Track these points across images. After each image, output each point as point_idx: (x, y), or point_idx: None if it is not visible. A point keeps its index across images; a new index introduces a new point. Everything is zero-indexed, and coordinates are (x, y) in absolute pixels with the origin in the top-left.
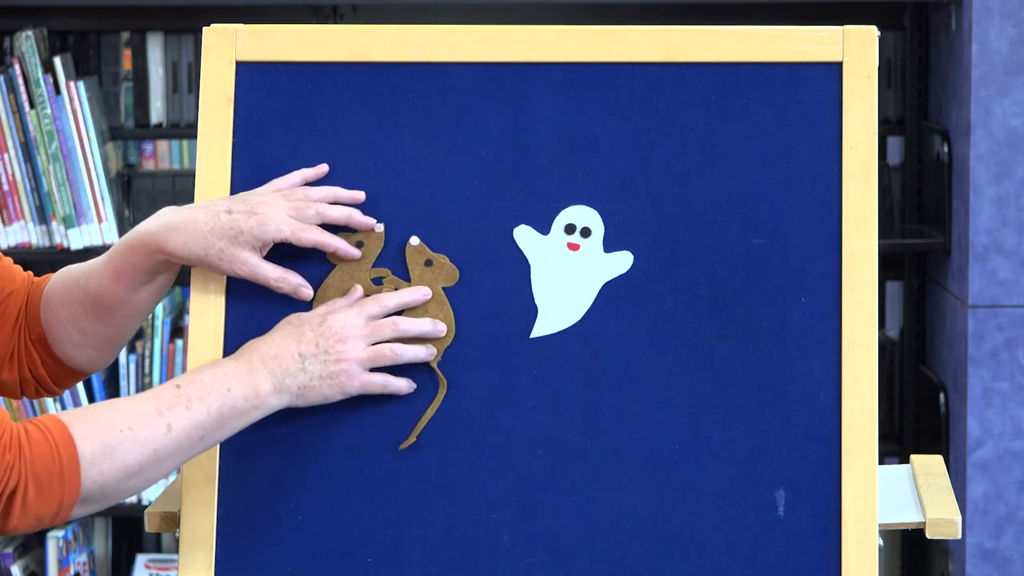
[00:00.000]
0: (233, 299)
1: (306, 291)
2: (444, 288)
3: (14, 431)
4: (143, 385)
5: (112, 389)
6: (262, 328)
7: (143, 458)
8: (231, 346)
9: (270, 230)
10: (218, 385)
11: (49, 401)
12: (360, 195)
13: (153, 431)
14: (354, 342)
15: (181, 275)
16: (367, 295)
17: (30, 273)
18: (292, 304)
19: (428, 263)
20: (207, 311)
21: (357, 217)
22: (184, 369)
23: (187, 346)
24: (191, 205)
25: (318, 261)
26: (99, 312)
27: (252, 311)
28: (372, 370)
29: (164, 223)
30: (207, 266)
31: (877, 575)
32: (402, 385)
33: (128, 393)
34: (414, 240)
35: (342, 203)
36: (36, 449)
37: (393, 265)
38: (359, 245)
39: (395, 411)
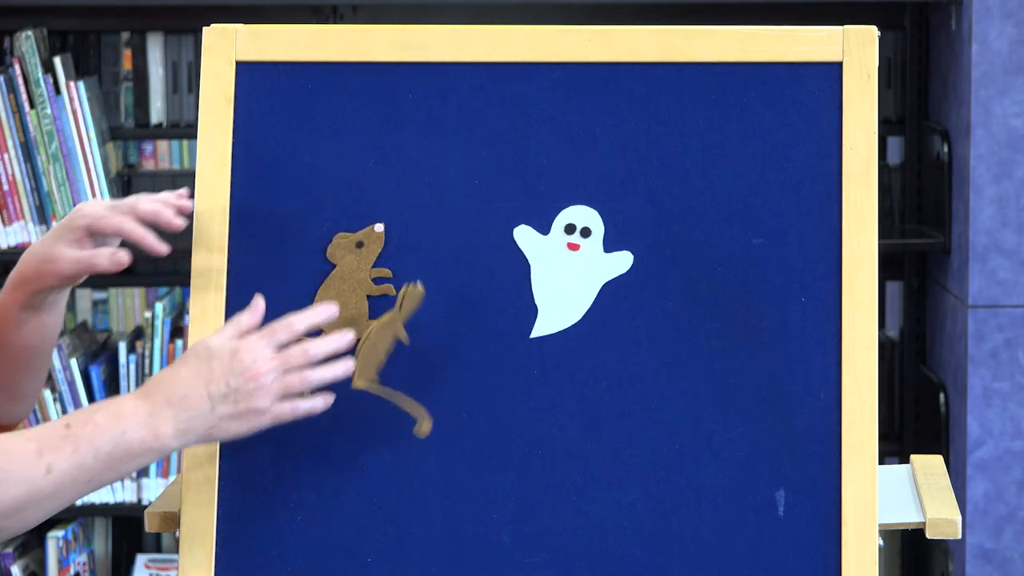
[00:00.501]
0: (233, 299)
1: (121, 255)
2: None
3: None
4: (142, 377)
5: (112, 389)
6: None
7: (16, 499)
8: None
9: (82, 215)
10: (111, 428)
11: (50, 403)
12: (173, 223)
13: (28, 472)
14: (265, 377)
15: (181, 275)
16: (367, 295)
17: None
18: (293, 306)
19: (359, 244)
20: (207, 311)
21: (163, 216)
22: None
23: (187, 346)
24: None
25: (318, 261)
26: None
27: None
28: None
29: (25, 257)
30: (46, 273)
31: (877, 575)
32: (316, 404)
33: (128, 391)
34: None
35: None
36: None
37: (393, 265)
38: (359, 245)
39: (398, 415)
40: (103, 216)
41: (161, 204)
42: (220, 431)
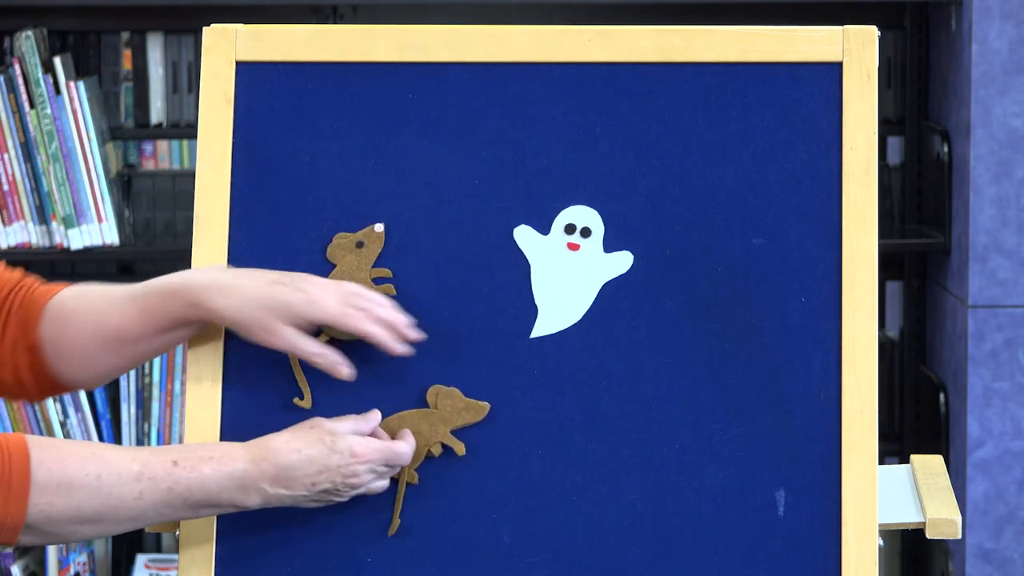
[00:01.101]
0: None
1: (344, 369)
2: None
3: None
4: (143, 385)
5: (111, 388)
6: None
7: (101, 509)
8: (231, 346)
9: (319, 309)
10: (211, 485)
11: (49, 402)
12: (407, 333)
13: (121, 490)
14: (364, 474)
15: None
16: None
17: (21, 272)
18: None
19: (359, 244)
20: None
21: (401, 327)
22: (183, 369)
23: (187, 346)
24: (237, 270)
25: (318, 261)
26: (113, 344)
27: None
28: None
29: (211, 280)
30: (245, 333)
31: (877, 575)
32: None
33: (127, 393)
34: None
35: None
36: None
37: (393, 265)
38: (359, 245)
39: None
40: (344, 315)
41: (396, 316)
42: (295, 503)
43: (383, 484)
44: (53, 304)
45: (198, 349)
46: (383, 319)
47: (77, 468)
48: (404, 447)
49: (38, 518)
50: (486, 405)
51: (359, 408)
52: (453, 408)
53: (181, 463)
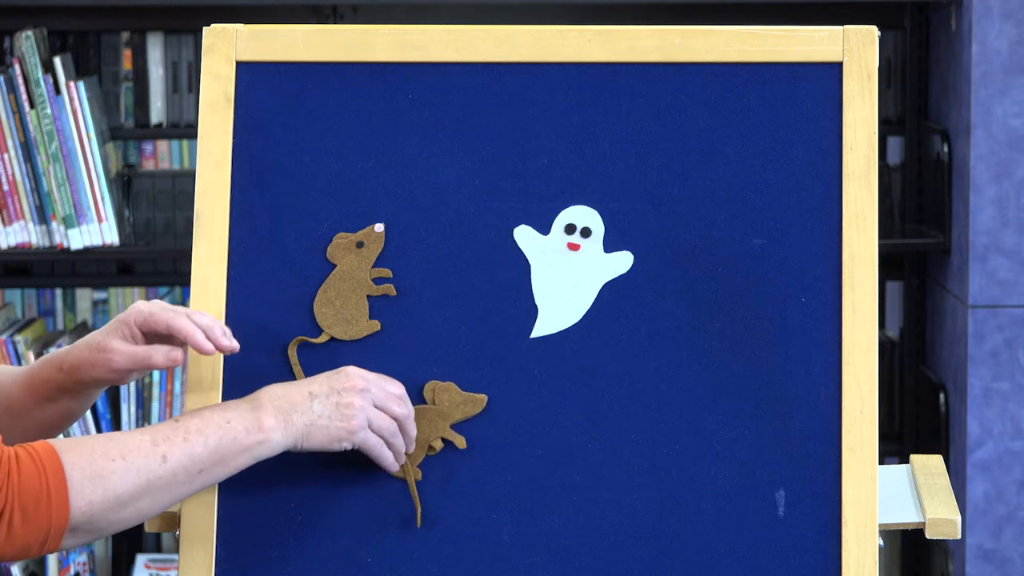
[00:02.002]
0: (233, 299)
1: (176, 354)
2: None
3: (3, 454)
4: (143, 385)
5: (112, 388)
6: (263, 328)
7: (136, 488)
8: None
9: (139, 311)
10: (217, 418)
11: None
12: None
13: (147, 461)
14: (365, 394)
15: (181, 275)
16: (367, 295)
17: None
18: (293, 306)
19: (359, 245)
20: (207, 311)
21: (214, 333)
22: (183, 369)
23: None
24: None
25: (318, 261)
26: (8, 413)
27: (252, 312)
28: None
29: (82, 341)
30: (95, 363)
31: (877, 575)
32: (391, 463)
33: (127, 393)
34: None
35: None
36: (24, 473)
37: (393, 265)
38: (359, 245)
39: None
40: (156, 313)
41: (213, 323)
42: (318, 431)
43: (389, 457)
44: None
45: None
46: (202, 323)
47: (103, 457)
48: (399, 389)
49: (80, 519)
50: (484, 397)
51: None
52: (451, 402)
53: (181, 417)
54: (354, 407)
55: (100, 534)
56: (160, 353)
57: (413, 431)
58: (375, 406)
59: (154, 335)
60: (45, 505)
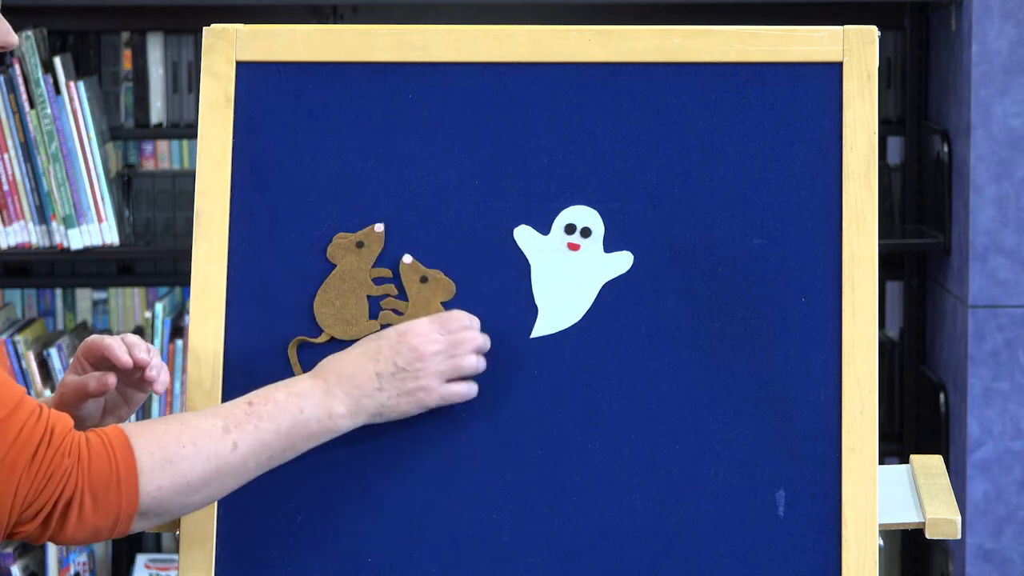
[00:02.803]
0: (233, 299)
1: (109, 379)
2: (443, 302)
3: (75, 439)
4: None
5: None
6: (263, 328)
7: (205, 474)
8: (231, 346)
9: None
10: (291, 406)
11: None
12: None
13: (217, 447)
14: (432, 358)
15: (181, 275)
16: (367, 295)
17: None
18: (293, 306)
19: (423, 279)
20: (207, 311)
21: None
22: (184, 369)
23: (187, 346)
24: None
25: (318, 261)
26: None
27: (252, 312)
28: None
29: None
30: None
31: (877, 575)
32: (473, 388)
33: None
34: (407, 258)
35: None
36: (95, 458)
37: (393, 265)
38: (359, 245)
39: None
40: (93, 340)
41: (140, 343)
42: (390, 410)
43: (473, 362)
44: None
45: (198, 349)
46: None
47: (174, 443)
48: (458, 312)
49: (150, 504)
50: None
51: None
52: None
53: (255, 402)
54: (422, 383)
55: (170, 517)
56: (93, 379)
57: (487, 344)
58: (449, 357)
59: (101, 363)
60: (115, 490)
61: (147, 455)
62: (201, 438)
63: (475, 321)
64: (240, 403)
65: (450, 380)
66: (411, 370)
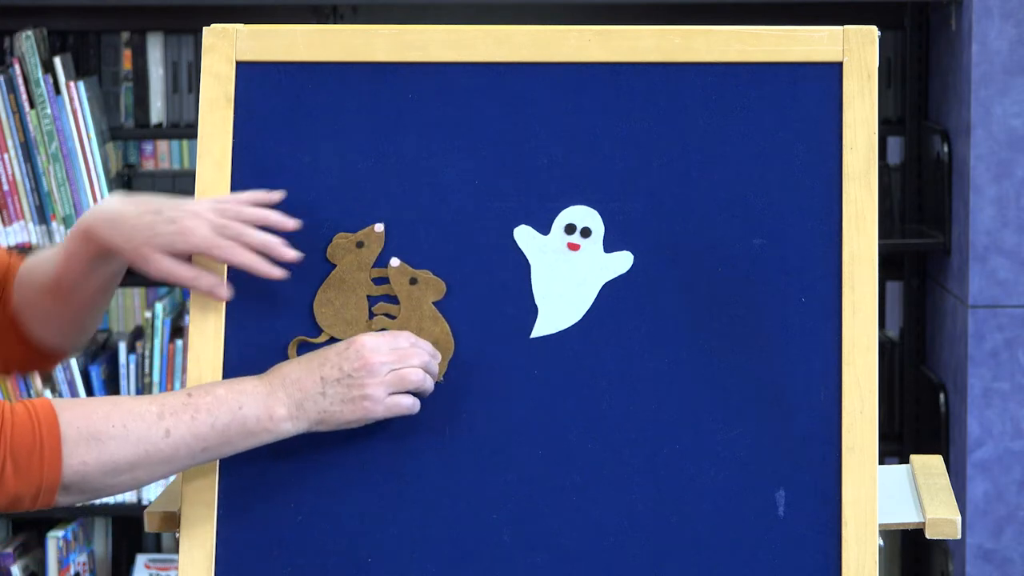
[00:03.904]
0: (233, 299)
1: (221, 291)
2: (435, 302)
3: (1, 408)
4: (143, 385)
5: (112, 388)
6: (263, 328)
7: (134, 457)
8: (231, 346)
9: (187, 240)
10: (230, 400)
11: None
12: (287, 224)
13: (148, 432)
14: (379, 366)
15: None
16: (367, 295)
17: (10, 253)
18: (293, 306)
19: (413, 281)
20: (207, 311)
21: (276, 249)
22: (184, 369)
23: (187, 346)
24: (133, 198)
25: (318, 261)
26: (55, 295)
27: (252, 312)
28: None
29: (100, 211)
30: (128, 260)
31: (877, 575)
32: (417, 403)
33: (127, 393)
34: (395, 262)
35: (271, 226)
36: (18, 426)
37: None
38: (359, 245)
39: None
40: (214, 246)
41: (264, 218)
42: (332, 416)
43: (419, 376)
44: (19, 275)
45: (198, 349)
46: (255, 244)
47: (103, 421)
48: (406, 332)
49: (72, 478)
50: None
51: None
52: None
53: (195, 393)
54: (367, 391)
55: (96, 495)
56: (203, 283)
57: (435, 366)
58: (394, 370)
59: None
60: (37, 459)
61: (73, 429)
62: (133, 421)
63: (426, 344)
64: (180, 393)
65: (396, 393)
66: (357, 378)
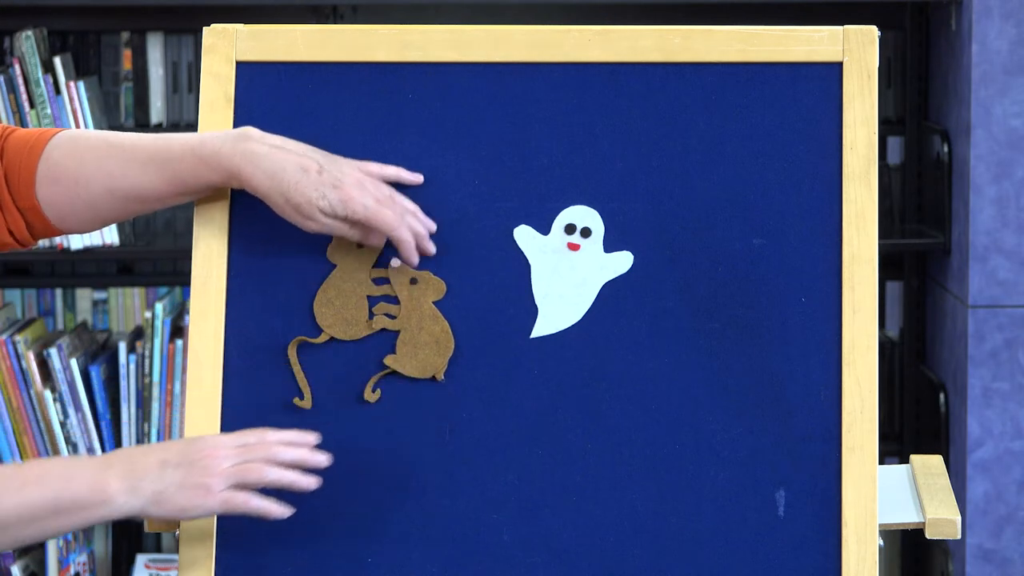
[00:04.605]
0: (233, 299)
1: (426, 244)
2: (435, 301)
3: None
4: (143, 385)
5: (112, 388)
6: (263, 328)
7: None
8: (231, 346)
9: (349, 208)
10: (62, 473)
11: (50, 403)
12: (430, 224)
13: None
14: (221, 459)
15: (181, 275)
16: (367, 295)
17: (9, 128)
18: (294, 303)
19: (413, 281)
20: (207, 311)
21: (422, 240)
22: (183, 369)
23: (187, 346)
24: (277, 140)
25: (319, 261)
26: (128, 202)
27: (252, 312)
28: None
29: (249, 155)
30: (278, 211)
31: (877, 575)
32: (272, 508)
33: (127, 393)
34: (395, 262)
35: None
36: None
37: None
38: (359, 245)
39: (398, 414)
40: (377, 218)
41: (420, 226)
42: (169, 499)
43: (261, 471)
44: (51, 161)
45: (198, 350)
46: (411, 226)
47: None
48: (269, 430)
49: None
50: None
51: (359, 406)
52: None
53: (26, 466)
54: (204, 479)
55: None
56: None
57: (299, 455)
58: (236, 464)
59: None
60: None
61: None
62: None
63: (280, 435)
64: (11, 465)
65: (237, 487)
66: (196, 464)
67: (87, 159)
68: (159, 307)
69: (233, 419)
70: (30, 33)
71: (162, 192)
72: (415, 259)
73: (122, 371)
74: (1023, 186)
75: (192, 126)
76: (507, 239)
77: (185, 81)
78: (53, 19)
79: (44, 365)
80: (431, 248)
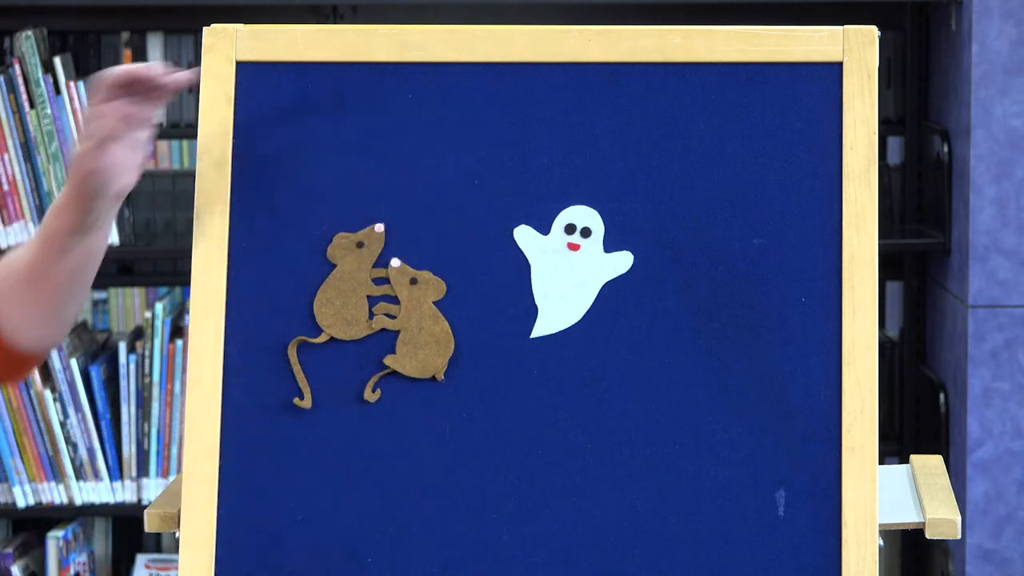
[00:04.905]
0: (233, 299)
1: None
2: (435, 301)
3: None
4: (143, 385)
5: (112, 388)
6: (263, 328)
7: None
8: (231, 346)
9: (102, 130)
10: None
11: (50, 403)
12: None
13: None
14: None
15: (181, 275)
16: (367, 295)
17: None
18: (293, 306)
19: (413, 281)
20: (207, 311)
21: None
22: (183, 369)
23: (187, 346)
24: None
25: (319, 261)
26: (30, 280)
27: (252, 312)
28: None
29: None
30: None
31: (877, 575)
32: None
33: (127, 393)
34: (395, 262)
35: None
36: None
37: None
38: (359, 245)
39: (398, 414)
40: (111, 72)
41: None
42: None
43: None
44: None
45: (198, 349)
46: (129, 111)
47: None
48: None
49: None
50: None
51: (359, 406)
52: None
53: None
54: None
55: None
56: (170, 80)
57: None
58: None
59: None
60: None
61: None
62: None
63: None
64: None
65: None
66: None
67: (6, 262)
68: (159, 307)
69: (233, 419)
70: (30, 33)
71: (42, 259)
72: (169, 86)
73: (122, 371)
74: (1023, 186)
75: (192, 126)
76: (507, 239)
77: None
78: (53, 19)
79: (44, 365)
80: (179, 76)
